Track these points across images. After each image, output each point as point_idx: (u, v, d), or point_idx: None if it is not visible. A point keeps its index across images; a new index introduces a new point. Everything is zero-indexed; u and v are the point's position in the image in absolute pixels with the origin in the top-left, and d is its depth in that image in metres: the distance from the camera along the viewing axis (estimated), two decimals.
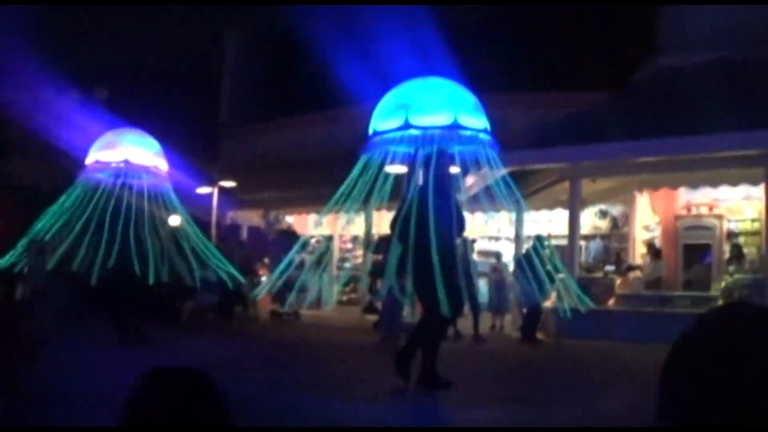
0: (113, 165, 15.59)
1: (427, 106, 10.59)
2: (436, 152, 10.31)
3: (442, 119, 10.51)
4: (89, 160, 15.93)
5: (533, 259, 13.70)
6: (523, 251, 19.14)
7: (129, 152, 15.61)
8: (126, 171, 15.51)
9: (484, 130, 10.85)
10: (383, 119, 10.80)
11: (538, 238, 17.71)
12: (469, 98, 10.94)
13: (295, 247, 12.70)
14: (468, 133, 10.64)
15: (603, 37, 32.52)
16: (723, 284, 19.98)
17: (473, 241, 21.85)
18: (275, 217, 32.43)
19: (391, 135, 10.58)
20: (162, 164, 16.14)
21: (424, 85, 11.11)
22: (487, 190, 11.72)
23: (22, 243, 15.94)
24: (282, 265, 12.89)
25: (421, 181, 10.38)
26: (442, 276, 9.60)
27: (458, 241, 10.63)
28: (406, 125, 10.41)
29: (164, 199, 16.03)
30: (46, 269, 15.65)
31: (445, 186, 10.22)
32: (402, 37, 25.55)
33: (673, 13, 24.00)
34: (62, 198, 15.74)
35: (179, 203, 16.40)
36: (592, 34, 33.11)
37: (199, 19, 36.97)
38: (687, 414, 1.51)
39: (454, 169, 10.75)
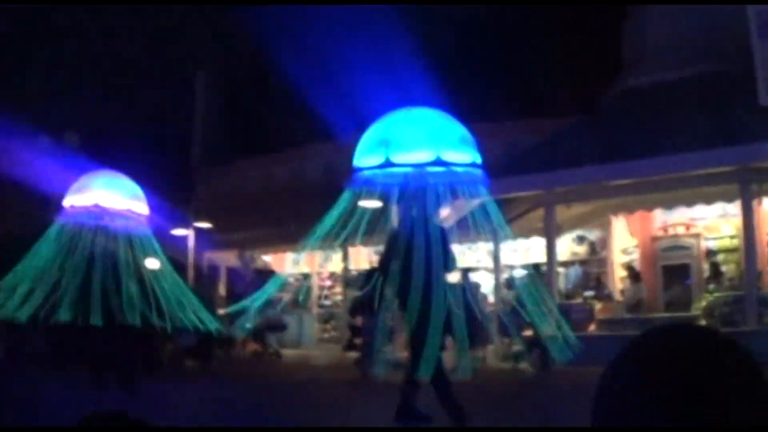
0: (84, 209, 15.26)
1: (408, 142, 10.17)
2: (419, 189, 10.01)
3: (423, 156, 10.06)
4: (65, 204, 15.61)
5: (533, 287, 13.39)
6: (519, 280, 19.09)
7: (100, 196, 15.28)
8: (97, 214, 15.16)
9: (472, 164, 10.43)
10: (364, 155, 10.40)
11: (536, 267, 17.63)
12: (454, 131, 10.49)
13: (270, 286, 12.35)
14: (452, 169, 10.21)
15: (569, 62, 32.71)
16: (704, 303, 19.95)
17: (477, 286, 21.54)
18: (250, 256, 32.30)
19: (371, 173, 10.23)
20: (137, 207, 15.75)
21: (407, 118, 10.66)
22: (465, 221, 11.30)
23: None
24: (257, 304, 12.72)
25: (400, 218, 10.16)
26: (425, 314, 9.34)
27: (452, 277, 10.37)
28: (387, 163, 10.03)
29: (141, 242, 15.64)
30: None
31: (427, 222, 9.86)
32: (372, 71, 25.55)
33: (638, 33, 24.11)
34: (37, 244, 15.33)
35: (157, 246, 16.21)
36: (558, 60, 33.30)
37: (169, 60, 36.98)
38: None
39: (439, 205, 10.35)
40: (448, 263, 10.00)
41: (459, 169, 10.28)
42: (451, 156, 10.18)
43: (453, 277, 10.58)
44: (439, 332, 9.42)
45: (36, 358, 19.93)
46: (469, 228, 11.13)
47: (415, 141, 10.17)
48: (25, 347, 21.46)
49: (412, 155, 10.08)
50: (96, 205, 15.17)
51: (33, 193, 26.40)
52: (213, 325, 16.48)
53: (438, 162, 10.07)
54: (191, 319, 15.79)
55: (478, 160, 10.48)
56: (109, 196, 15.33)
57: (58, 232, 15.12)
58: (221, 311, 21.08)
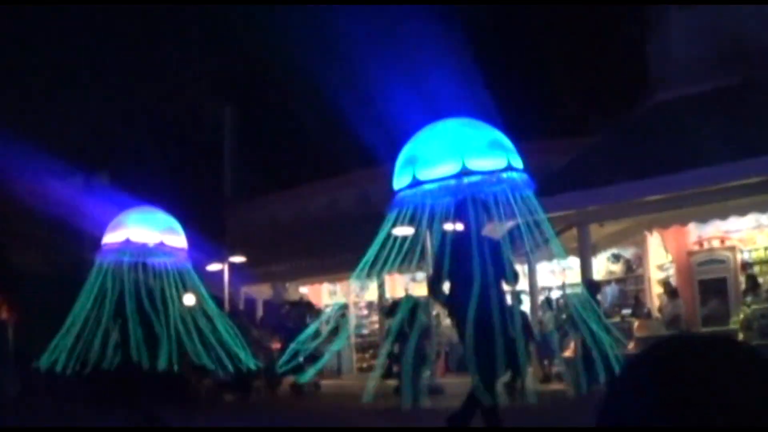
0: (118, 245, 14.99)
1: (432, 157, 9.85)
2: (458, 203, 9.63)
3: (448, 168, 9.63)
4: (103, 242, 15.36)
5: (588, 304, 12.98)
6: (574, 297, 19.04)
7: (132, 231, 15.05)
8: (132, 251, 14.90)
9: (507, 168, 9.81)
10: (397, 176, 10.16)
11: (590, 283, 17.52)
12: (481, 137, 10.06)
13: (313, 321, 12.29)
14: (478, 178, 9.64)
15: (595, 80, 32.65)
16: (741, 316, 19.81)
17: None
18: (283, 287, 32.28)
19: (404, 194, 9.95)
20: (173, 240, 15.44)
21: (431, 133, 10.31)
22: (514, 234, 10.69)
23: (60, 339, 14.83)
24: (301, 337, 12.71)
25: (438, 236, 9.78)
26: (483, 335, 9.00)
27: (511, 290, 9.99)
28: (415, 182, 9.77)
29: (180, 277, 15.38)
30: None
31: (470, 236, 9.45)
32: (402, 94, 25.59)
33: (663, 48, 24.07)
34: (86, 285, 14.93)
35: (197, 279, 16.05)
36: (584, 78, 33.24)
37: (196, 95, 37.19)
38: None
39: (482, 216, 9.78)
40: (508, 275, 9.58)
41: (489, 177, 9.75)
42: (479, 163, 9.71)
43: (511, 291, 10.14)
44: (502, 352, 9.12)
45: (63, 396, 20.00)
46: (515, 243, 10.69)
47: (438, 154, 9.86)
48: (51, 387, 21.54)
49: (437, 169, 9.75)
50: (128, 241, 14.98)
51: (66, 231, 26.61)
52: (251, 361, 16.34)
53: (465, 172, 9.60)
54: (228, 355, 15.64)
55: (516, 163, 10.00)
56: (143, 231, 15.15)
57: (96, 273, 14.91)
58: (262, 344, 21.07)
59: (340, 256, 28.87)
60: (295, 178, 34.94)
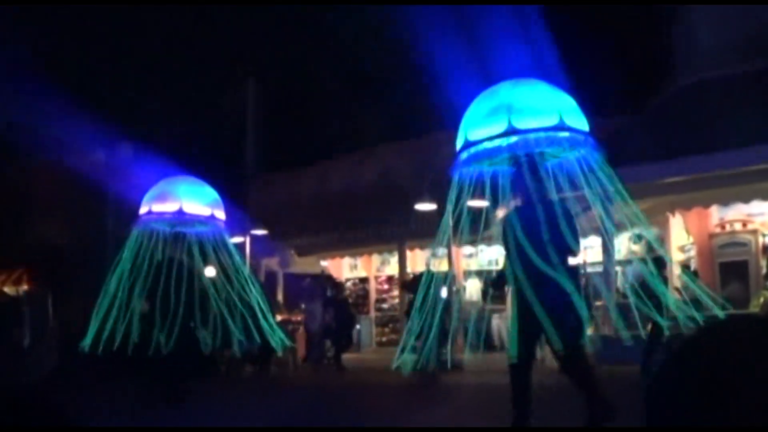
0: (167, 215, 14.62)
1: (532, 107, 9.13)
2: (541, 161, 9.26)
3: (548, 120, 9.02)
4: (142, 211, 14.87)
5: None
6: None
7: (184, 203, 14.61)
8: (180, 221, 14.61)
9: (589, 133, 9.38)
10: (479, 125, 9.29)
11: (656, 260, 17.54)
12: (569, 98, 9.54)
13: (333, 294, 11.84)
14: (576, 136, 9.19)
15: (621, 61, 32.53)
16: (762, 299, 19.81)
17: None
18: (291, 254, 32.36)
19: (491, 144, 9.08)
20: (219, 213, 15.14)
21: (524, 84, 9.61)
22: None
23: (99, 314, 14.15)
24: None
25: (519, 193, 9.23)
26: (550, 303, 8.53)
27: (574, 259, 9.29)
28: (511, 130, 8.97)
29: (223, 246, 15.02)
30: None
31: (550, 197, 9.12)
32: (415, 74, 25.55)
33: (687, 32, 24.02)
34: (123, 253, 14.40)
35: (235, 250, 15.51)
36: (610, 59, 33.11)
37: (220, 68, 37.24)
38: (680, 416, 1.52)
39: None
40: (573, 244, 9.07)
41: (580, 137, 9.27)
42: (573, 122, 9.21)
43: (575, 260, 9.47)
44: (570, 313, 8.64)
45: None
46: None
47: (538, 105, 9.18)
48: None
49: (538, 120, 9.06)
50: (180, 211, 14.61)
51: (89, 202, 26.72)
52: (276, 334, 16.03)
53: (562, 126, 9.07)
54: (251, 327, 15.38)
55: (588, 130, 9.46)
56: (194, 202, 14.86)
57: (135, 241, 14.52)
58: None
59: (361, 230, 29.02)
60: (318, 153, 34.92)
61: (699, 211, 22.07)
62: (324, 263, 33.00)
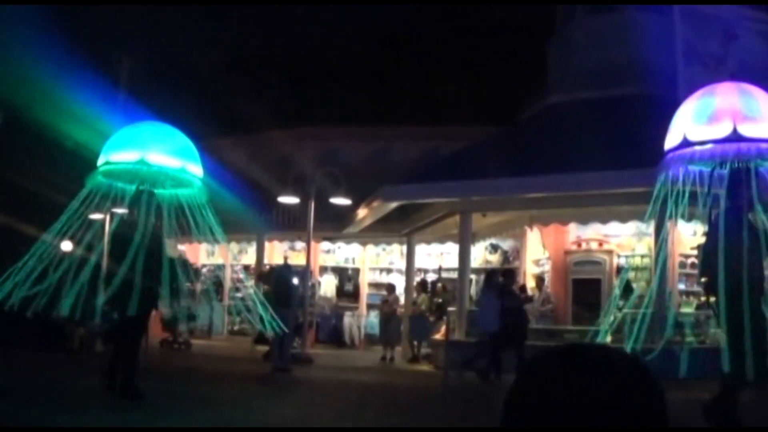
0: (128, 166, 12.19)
1: (755, 112, 8.88)
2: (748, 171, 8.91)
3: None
4: (99, 162, 12.41)
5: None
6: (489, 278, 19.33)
7: (147, 152, 12.12)
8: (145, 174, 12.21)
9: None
10: (698, 124, 9.16)
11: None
12: None
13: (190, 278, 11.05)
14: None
15: (494, 73, 32.94)
16: (612, 318, 20.17)
17: None
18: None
19: (717, 147, 8.87)
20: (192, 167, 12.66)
21: (748, 92, 9.26)
22: None
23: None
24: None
25: (729, 203, 8.89)
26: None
27: None
28: (735, 136, 8.73)
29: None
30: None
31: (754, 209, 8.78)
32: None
33: (565, 52, 24.44)
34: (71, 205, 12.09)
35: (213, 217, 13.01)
36: (483, 70, 33.52)
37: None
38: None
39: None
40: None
41: None
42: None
43: None
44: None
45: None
46: None
47: (759, 110, 8.92)
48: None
49: (762, 129, 8.76)
50: (141, 161, 12.14)
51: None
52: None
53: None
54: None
55: None
56: (159, 152, 12.34)
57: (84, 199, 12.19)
58: None
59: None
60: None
61: (556, 227, 22.38)
62: (181, 247, 32.66)
